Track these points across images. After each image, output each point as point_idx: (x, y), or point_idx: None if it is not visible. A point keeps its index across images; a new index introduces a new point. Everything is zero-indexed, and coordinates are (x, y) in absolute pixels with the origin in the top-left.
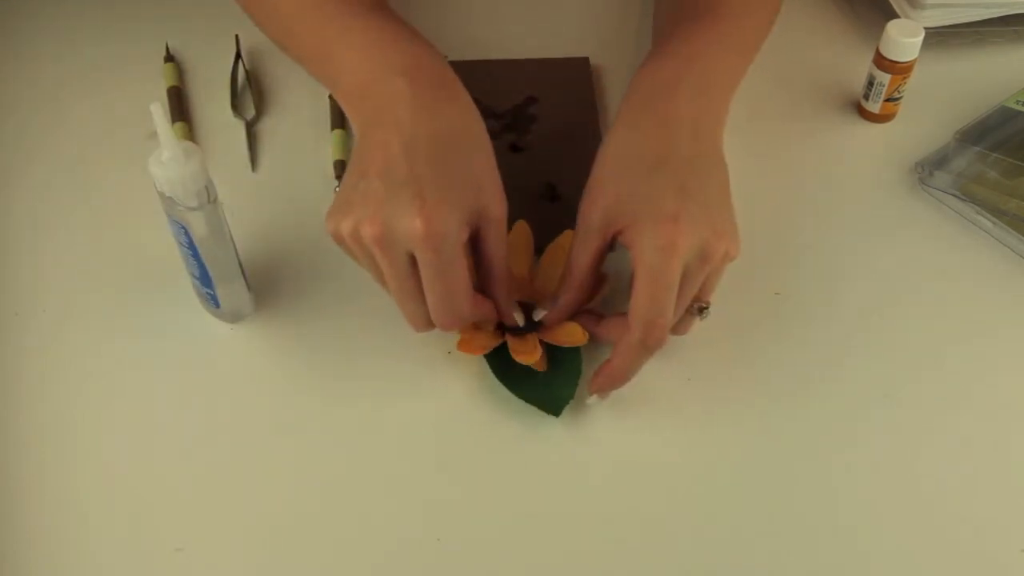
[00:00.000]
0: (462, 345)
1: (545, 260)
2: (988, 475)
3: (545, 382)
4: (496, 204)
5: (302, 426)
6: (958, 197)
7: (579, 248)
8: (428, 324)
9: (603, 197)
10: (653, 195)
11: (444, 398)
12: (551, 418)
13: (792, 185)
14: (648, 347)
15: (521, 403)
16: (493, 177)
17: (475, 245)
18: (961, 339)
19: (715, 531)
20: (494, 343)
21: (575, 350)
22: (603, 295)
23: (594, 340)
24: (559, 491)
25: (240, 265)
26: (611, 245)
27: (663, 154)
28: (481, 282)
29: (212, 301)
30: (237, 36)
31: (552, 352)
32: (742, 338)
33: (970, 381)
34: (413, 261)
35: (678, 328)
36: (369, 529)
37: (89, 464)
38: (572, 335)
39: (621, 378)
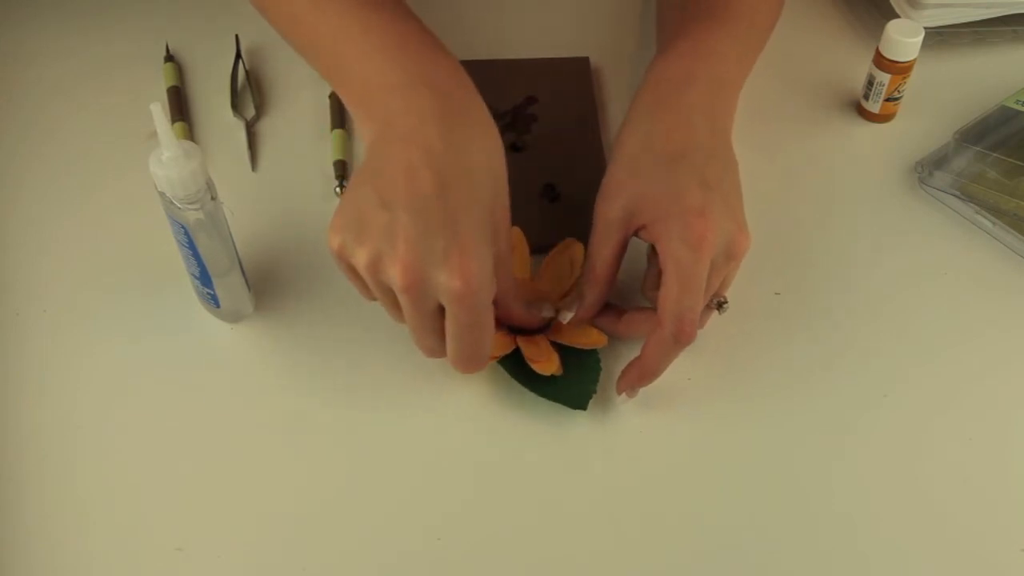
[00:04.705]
0: None
1: (546, 267)
2: (988, 475)
3: (567, 379)
4: (507, 244)
5: (303, 426)
6: (958, 197)
7: (599, 244)
8: (443, 355)
9: (623, 192)
10: (677, 189)
11: (449, 397)
12: (552, 418)
13: (792, 185)
14: (680, 342)
15: (528, 403)
16: (508, 219)
17: None
18: (961, 339)
19: (714, 530)
20: (506, 350)
21: (593, 349)
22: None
23: (612, 337)
24: (560, 490)
25: (240, 264)
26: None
27: (681, 148)
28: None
29: (212, 301)
30: (237, 36)
31: (569, 353)
32: (742, 338)
33: (970, 381)
34: (440, 306)
35: None
36: (373, 532)
37: (89, 464)
38: (590, 337)
39: (651, 374)
